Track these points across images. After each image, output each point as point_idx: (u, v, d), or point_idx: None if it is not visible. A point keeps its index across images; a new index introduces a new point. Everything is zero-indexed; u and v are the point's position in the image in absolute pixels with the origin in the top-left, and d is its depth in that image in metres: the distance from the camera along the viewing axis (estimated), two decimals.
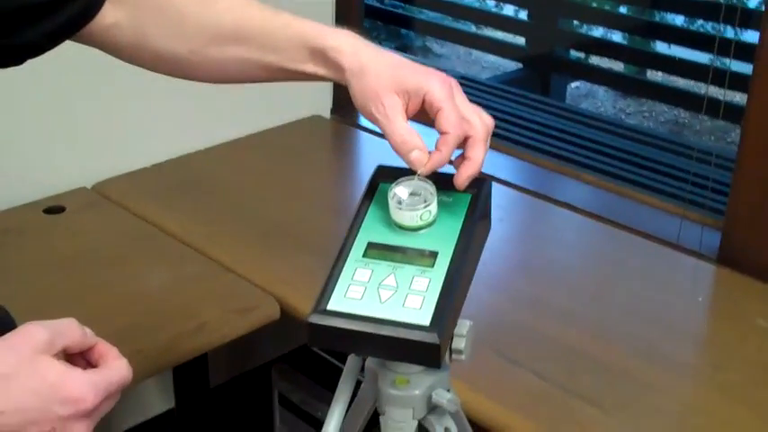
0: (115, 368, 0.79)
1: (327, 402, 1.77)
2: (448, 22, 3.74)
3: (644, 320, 1.46)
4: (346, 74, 0.88)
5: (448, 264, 0.80)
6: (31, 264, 1.57)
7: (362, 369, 0.88)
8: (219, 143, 2.04)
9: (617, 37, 3.59)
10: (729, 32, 1.80)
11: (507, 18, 3.77)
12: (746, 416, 1.27)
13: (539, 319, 1.46)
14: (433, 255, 0.81)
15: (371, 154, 2.10)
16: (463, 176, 0.84)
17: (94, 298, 1.47)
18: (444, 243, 0.81)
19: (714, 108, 1.84)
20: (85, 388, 0.75)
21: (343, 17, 2.15)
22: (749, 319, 1.47)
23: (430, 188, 0.83)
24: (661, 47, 3.42)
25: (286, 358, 1.89)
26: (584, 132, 2.34)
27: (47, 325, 0.77)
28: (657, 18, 3.46)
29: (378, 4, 3.49)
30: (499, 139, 2.04)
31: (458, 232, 0.82)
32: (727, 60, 1.78)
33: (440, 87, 0.84)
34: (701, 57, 2.79)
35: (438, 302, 0.77)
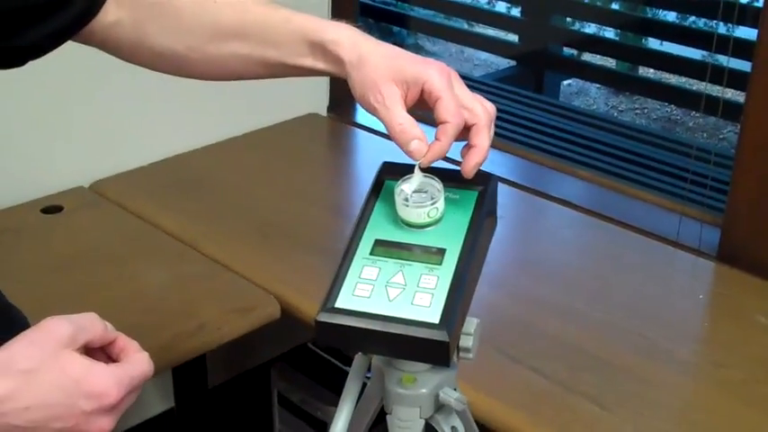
0: (137, 362, 0.79)
1: (327, 402, 1.77)
2: (440, 19, 3.74)
3: (644, 317, 1.46)
4: (346, 66, 0.87)
5: (456, 261, 0.79)
6: (29, 263, 1.57)
7: (369, 368, 0.88)
8: (217, 141, 2.03)
9: (610, 34, 3.59)
10: (723, 29, 1.80)
11: (500, 15, 3.76)
12: (747, 412, 1.27)
13: (538, 317, 1.46)
14: (441, 252, 0.80)
15: (369, 151, 2.10)
16: (470, 164, 0.84)
17: (92, 297, 1.47)
18: (452, 240, 0.81)
19: (709, 105, 1.84)
20: (110, 383, 0.75)
21: (339, 15, 2.14)
22: (749, 315, 1.47)
23: (437, 185, 0.82)
24: (653, 44, 3.42)
25: (285, 358, 1.89)
26: (582, 130, 2.33)
27: (69, 319, 0.77)
28: (650, 14, 3.47)
29: (370, 2, 3.48)
30: (494, 136, 2.03)
31: (465, 229, 0.82)
32: (720, 57, 1.78)
33: (438, 76, 0.84)
34: (694, 53, 2.79)
35: (447, 300, 0.77)
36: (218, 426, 2.09)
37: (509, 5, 3.85)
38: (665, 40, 3.08)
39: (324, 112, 2.22)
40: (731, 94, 1.81)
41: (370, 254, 0.81)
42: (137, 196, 1.80)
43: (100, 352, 0.80)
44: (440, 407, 0.85)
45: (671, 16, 3.53)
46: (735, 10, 1.66)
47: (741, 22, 1.72)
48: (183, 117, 1.96)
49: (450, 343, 0.75)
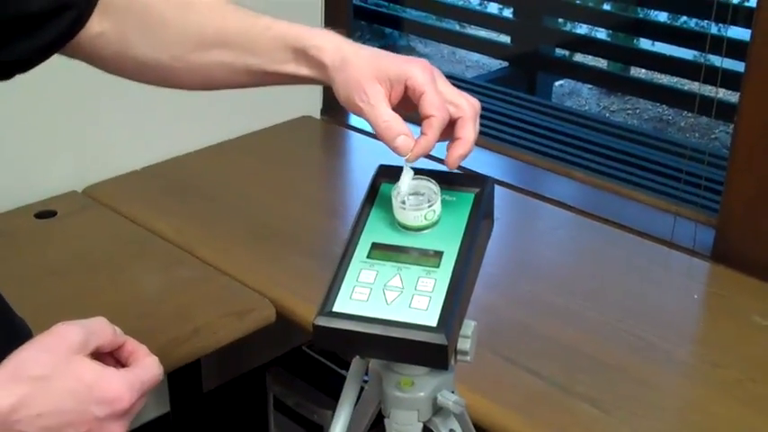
0: (147, 366, 0.79)
1: (323, 405, 1.77)
2: (432, 21, 3.74)
3: (640, 318, 1.46)
4: (329, 70, 0.88)
5: (453, 264, 0.79)
6: (22, 269, 1.56)
7: (366, 371, 0.88)
8: (210, 145, 2.03)
9: (602, 34, 3.59)
10: (714, 29, 1.80)
11: (492, 16, 3.76)
12: (744, 412, 1.27)
13: (534, 318, 1.46)
14: (438, 255, 0.80)
15: (363, 154, 2.10)
16: (454, 155, 0.84)
17: (87, 302, 1.46)
18: (449, 243, 0.81)
19: (702, 105, 1.84)
20: (122, 388, 0.75)
21: (332, 17, 2.14)
22: (744, 316, 1.48)
23: (434, 187, 0.82)
24: (645, 44, 3.42)
25: (280, 361, 1.88)
26: (576, 131, 2.34)
27: (80, 324, 0.77)
28: (641, 15, 3.47)
29: (363, 4, 3.48)
30: (486, 137, 2.04)
31: (462, 232, 0.82)
32: (711, 57, 1.78)
33: (421, 72, 0.84)
34: (685, 53, 2.79)
35: (444, 303, 0.77)
36: (213, 430, 2.08)
37: (501, 7, 3.84)
38: (659, 40, 3.08)
39: (317, 115, 2.22)
40: (723, 93, 1.81)
41: (368, 257, 0.81)
42: (130, 200, 1.80)
43: (108, 356, 0.80)
44: (438, 410, 0.85)
45: (662, 16, 3.53)
46: (728, 10, 1.66)
47: (734, 22, 1.72)
48: (177, 120, 1.96)
49: (449, 346, 0.75)
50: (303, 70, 0.90)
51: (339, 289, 0.79)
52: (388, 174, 0.86)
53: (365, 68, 0.85)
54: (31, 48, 0.90)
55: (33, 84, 1.64)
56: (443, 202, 0.83)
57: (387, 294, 0.78)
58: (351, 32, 2.31)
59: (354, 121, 2.18)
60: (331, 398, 1.70)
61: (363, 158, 2.07)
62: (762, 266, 1.56)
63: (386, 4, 3.74)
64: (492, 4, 4.19)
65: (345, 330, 0.77)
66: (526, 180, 1.95)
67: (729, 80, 1.69)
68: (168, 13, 0.94)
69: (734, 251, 1.61)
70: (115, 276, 1.55)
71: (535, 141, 2.24)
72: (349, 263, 0.81)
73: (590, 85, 4.59)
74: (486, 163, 1.94)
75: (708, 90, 1.76)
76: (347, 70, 0.86)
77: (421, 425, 0.85)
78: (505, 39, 3.49)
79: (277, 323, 1.48)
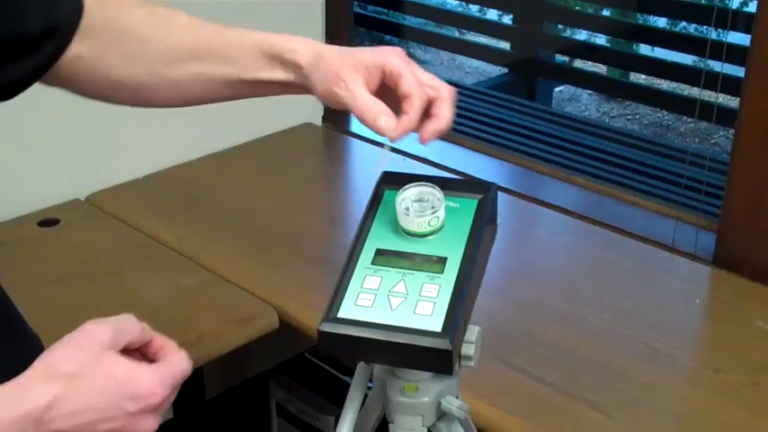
0: (177, 361, 0.80)
1: (326, 412, 1.77)
2: (431, 27, 3.74)
3: (642, 323, 1.46)
4: (304, 69, 0.89)
5: (457, 270, 0.80)
6: (26, 277, 1.56)
7: (371, 377, 0.88)
8: (212, 152, 2.03)
9: (602, 40, 3.59)
10: (714, 35, 1.80)
11: (492, 23, 3.77)
12: (746, 416, 1.28)
13: (536, 323, 1.46)
14: (442, 261, 0.81)
15: (364, 160, 2.10)
16: (428, 130, 0.85)
17: (90, 310, 1.45)
18: (453, 249, 0.81)
19: (703, 110, 1.85)
20: (154, 383, 0.76)
21: (333, 24, 2.15)
22: (747, 320, 1.48)
23: (437, 194, 0.83)
24: (645, 50, 3.43)
25: (283, 368, 1.88)
26: (576, 137, 2.33)
27: (109, 322, 0.78)
28: (641, 21, 3.47)
29: (363, 12, 3.48)
30: (487, 143, 2.05)
31: (466, 238, 0.82)
32: (711, 62, 1.79)
33: (397, 58, 0.86)
34: (684, 59, 2.80)
35: (449, 308, 0.77)
36: None
37: (501, 13, 3.85)
38: (659, 46, 3.08)
39: (319, 122, 2.22)
40: (722, 98, 1.81)
41: (372, 263, 0.82)
42: (133, 208, 1.80)
43: (136, 352, 0.81)
44: (442, 415, 0.85)
45: (662, 22, 3.53)
46: (728, 16, 1.67)
47: (733, 27, 1.73)
48: (178, 128, 1.96)
49: (453, 351, 0.76)
50: (279, 74, 0.92)
51: (344, 295, 0.80)
52: (392, 180, 0.87)
53: (342, 61, 0.87)
54: (22, 71, 0.91)
55: (35, 92, 1.65)
56: (447, 209, 0.83)
57: (391, 300, 0.79)
58: (351, 39, 2.31)
59: (356, 128, 2.18)
60: (334, 404, 1.71)
61: (365, 165, 2.08)
62: (763, 270, 1.57)
63: (385, 11, 3.75)
64: (492, 10, 4.19)
65: (350, 336, 0.77)
66: (527, 186, 1.95)
67: (729, 85, 1.70)
68: (147, 31, 0.95)
69: (735, 256, 1.61)
70: (118, 284, 1.55)
71: (535, 147, 2.24)
72: (353, 269, 0.81)
73: (590, 91, 4.60)
74: (486, 169, 1.95)
75: (708, 95, 1.77)
76: (323, 65, 0.87)
77: (425, 430, 0.86)
78: (505, 45, 3.49)
79: (279, 330, 1.49)
